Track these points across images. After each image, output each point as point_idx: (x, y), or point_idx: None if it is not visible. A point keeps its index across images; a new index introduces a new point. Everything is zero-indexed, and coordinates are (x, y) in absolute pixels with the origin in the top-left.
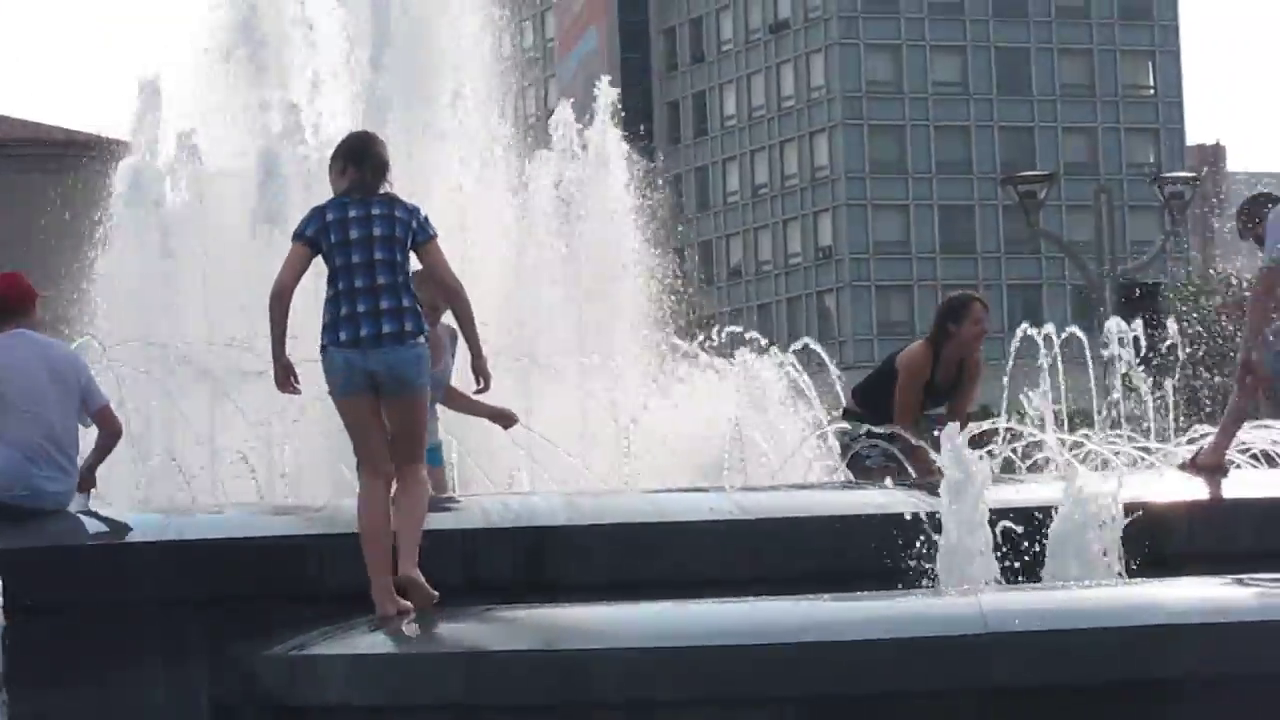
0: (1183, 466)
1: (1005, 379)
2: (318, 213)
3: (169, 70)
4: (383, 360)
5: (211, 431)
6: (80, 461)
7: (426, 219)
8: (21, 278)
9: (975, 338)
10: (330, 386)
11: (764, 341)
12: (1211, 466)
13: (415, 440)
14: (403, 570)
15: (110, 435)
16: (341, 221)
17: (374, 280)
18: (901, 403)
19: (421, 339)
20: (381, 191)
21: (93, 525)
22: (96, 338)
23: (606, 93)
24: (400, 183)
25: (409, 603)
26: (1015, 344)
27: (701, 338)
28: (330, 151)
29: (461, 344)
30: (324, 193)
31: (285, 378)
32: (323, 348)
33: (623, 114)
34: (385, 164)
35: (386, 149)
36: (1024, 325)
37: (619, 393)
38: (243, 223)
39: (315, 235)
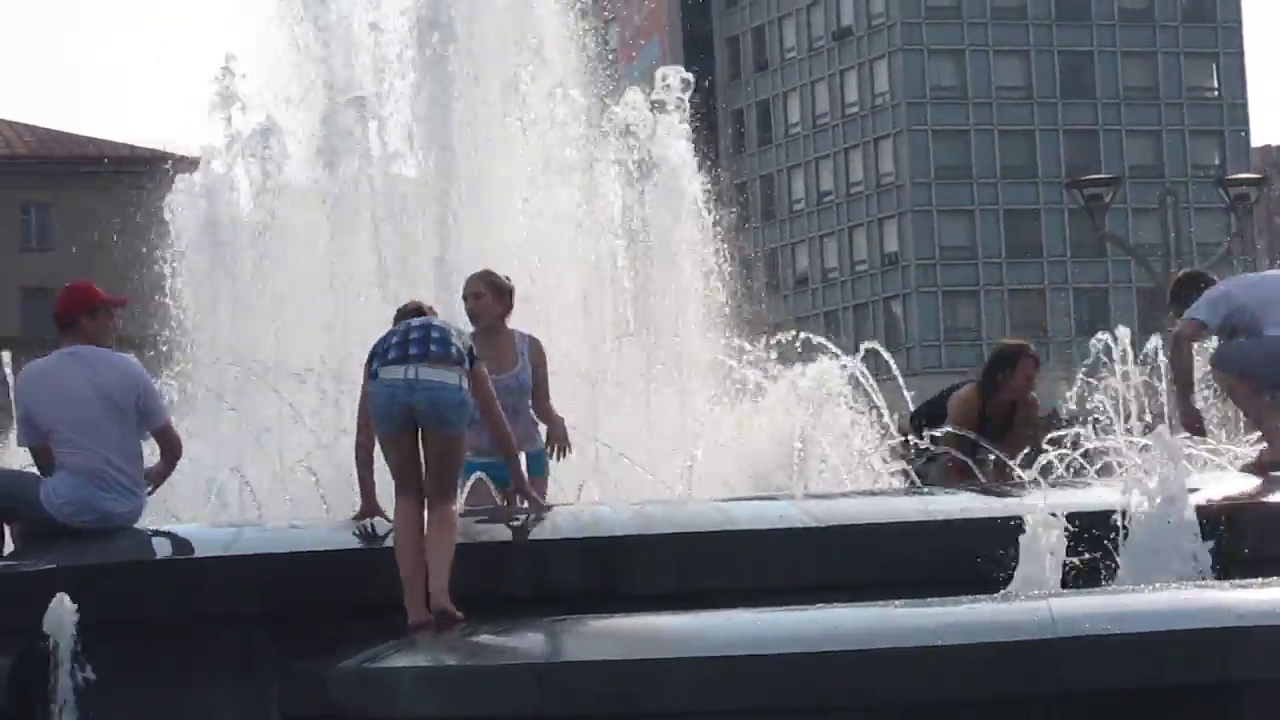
0: (1248, 468)
1: (1078, 383)
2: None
3: (235, 79)
4: (426, 396)
5: (279, 446)
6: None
7: (473, 348)
8: (76, 288)
9: (1023, 390)
10: (374, 419)
11: (827, 343)
12: (1274, 459)
13: (447, 480)
14: (434, 604)
15: (170, 455)
16: (391, 333)
17: (427, 329)
18: (942, 469)
19: (465, 386)
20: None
21: (161, 541)
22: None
23: (673, 74)
24: (465, 179)
25: (458, 614)
26: (1093, 348)
27: (768, 344)
28: (396, 147)
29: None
30: (388, 191)
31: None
32: (372, 375)
33: (689, 108)
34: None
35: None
36: (1101, 334)
37: (685, 400)
38: (312, 226)
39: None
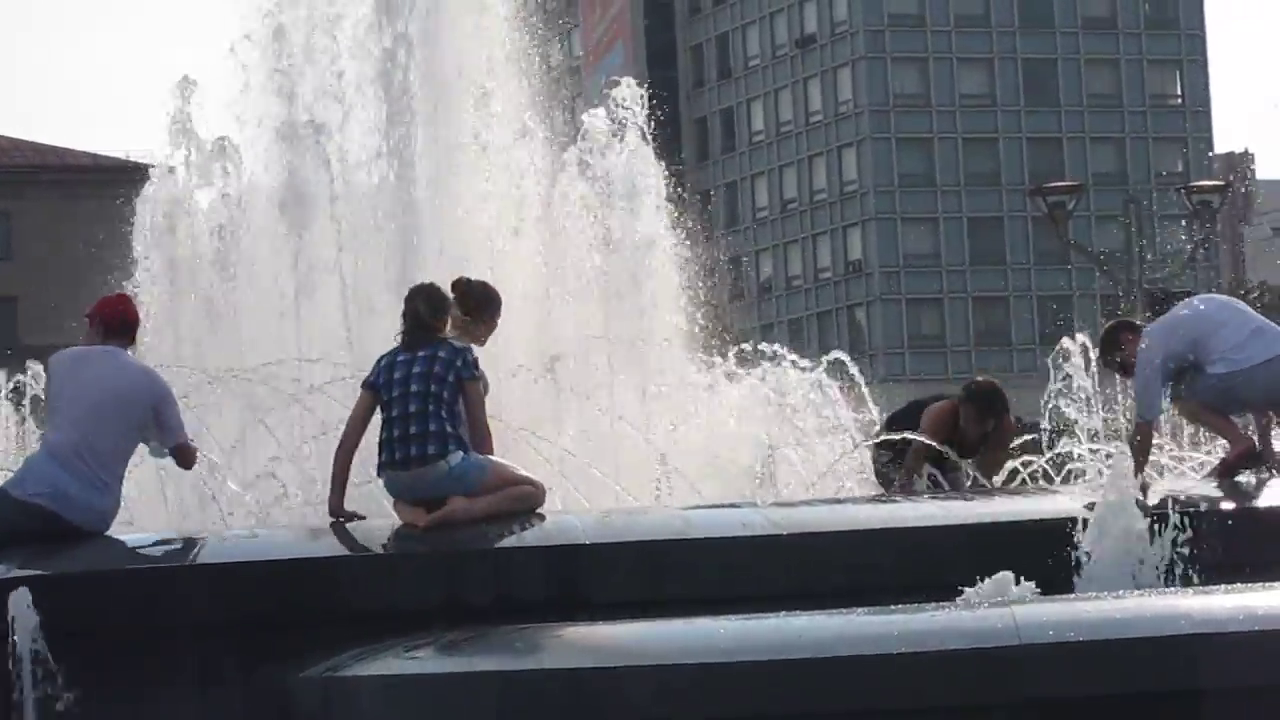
0: (1214, 472)
1: (1048, 392)
2: (378, 362)
3: (196, 90)
4: (423, 487)
5: (244, 454)
6: (123, 484)
7: (474, 361)
8: (130, 301)
9: (975, 432)
10: None
11: (792, 357)
12: (1240, 456)
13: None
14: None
15: (184, 465)
16: (390, 366)
17: (407, 408)
18: (914, 452)
19: (451, 457)
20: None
21: (126, 549)
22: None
23: (633, 91)
24: (428, 196)
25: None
26: (1052, 356)
27: (734, 352)
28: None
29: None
30: (348, 215)
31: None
32: (378, 468)
33: (652, 123)
34: (423, 314)
35: (431, 296)
36: (1066, 339)
37: (651, 409)
38: (271, 244)
39: (373, 380)
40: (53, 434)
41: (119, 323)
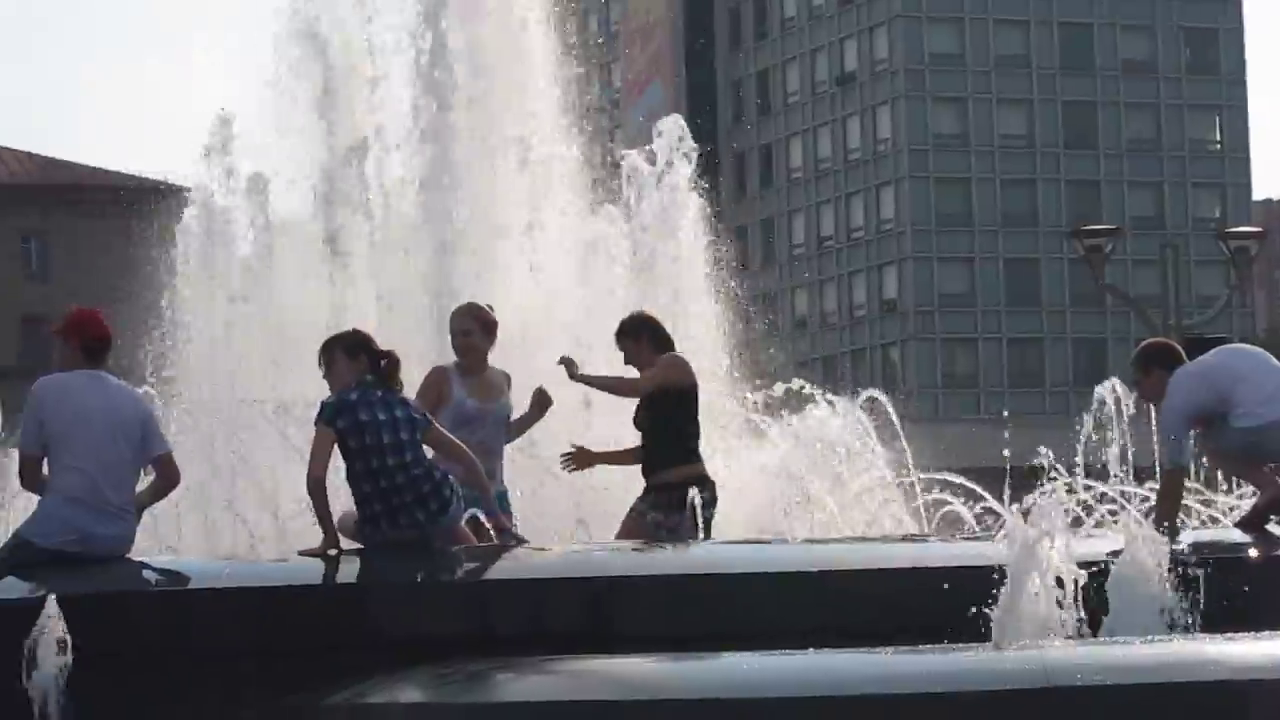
0: (1244, 521)
1: (1082, 433)
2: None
3: (237, 110)
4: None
5: (275, 479)
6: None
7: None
8: (103, 318)
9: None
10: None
11: (821, 393)
12: (1270, 503)
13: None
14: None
15: (166, 485)
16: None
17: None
18: None
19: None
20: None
21: (153, 572)
22: (155, 387)
23: (675, 127)
24: (468, 230)
25: None
26: (1096, 399)
27: (768, 389)
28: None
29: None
30: (385, 241)
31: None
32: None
33: (694, 160)
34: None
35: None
36: (1100, 388)
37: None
38: (309, 268)
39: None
40: (64, 475)
41: (101, 345)
